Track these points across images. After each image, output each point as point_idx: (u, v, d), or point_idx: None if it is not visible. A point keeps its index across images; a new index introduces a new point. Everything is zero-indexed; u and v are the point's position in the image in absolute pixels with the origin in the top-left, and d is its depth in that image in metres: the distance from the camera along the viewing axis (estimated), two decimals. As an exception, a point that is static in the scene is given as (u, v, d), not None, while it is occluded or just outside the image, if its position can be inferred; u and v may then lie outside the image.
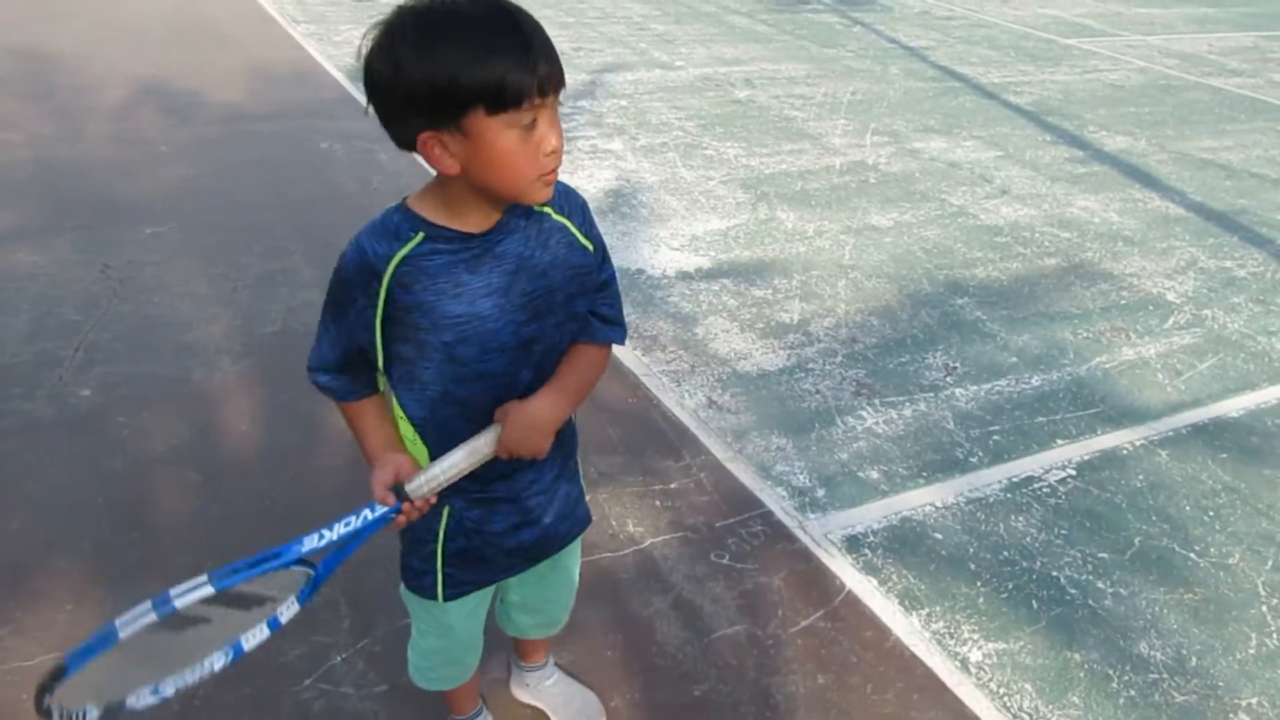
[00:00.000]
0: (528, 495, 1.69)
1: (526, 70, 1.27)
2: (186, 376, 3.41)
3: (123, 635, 1.31)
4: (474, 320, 1.45)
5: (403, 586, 1.83)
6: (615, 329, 1.66)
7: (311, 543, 1.46)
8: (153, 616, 1.32)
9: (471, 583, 1.77)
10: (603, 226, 5.02)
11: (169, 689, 1.37)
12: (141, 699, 1.36)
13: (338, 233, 4.60)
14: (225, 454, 3.06)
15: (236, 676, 2.28)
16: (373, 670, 2.34)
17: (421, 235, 1.42)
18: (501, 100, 1.27)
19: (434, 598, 1.75)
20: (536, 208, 1.49)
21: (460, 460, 1.52)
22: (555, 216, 1.52)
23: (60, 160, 5.20)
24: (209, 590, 1.36)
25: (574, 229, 1.54)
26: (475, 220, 1.43)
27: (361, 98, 6.04)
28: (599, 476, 3.06)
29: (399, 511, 1.50)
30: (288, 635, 2.39)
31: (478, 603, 1.86)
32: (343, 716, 2.22)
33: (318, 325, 1.58)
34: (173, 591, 1.35)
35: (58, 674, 1.28)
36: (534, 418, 1.53)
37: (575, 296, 1.55)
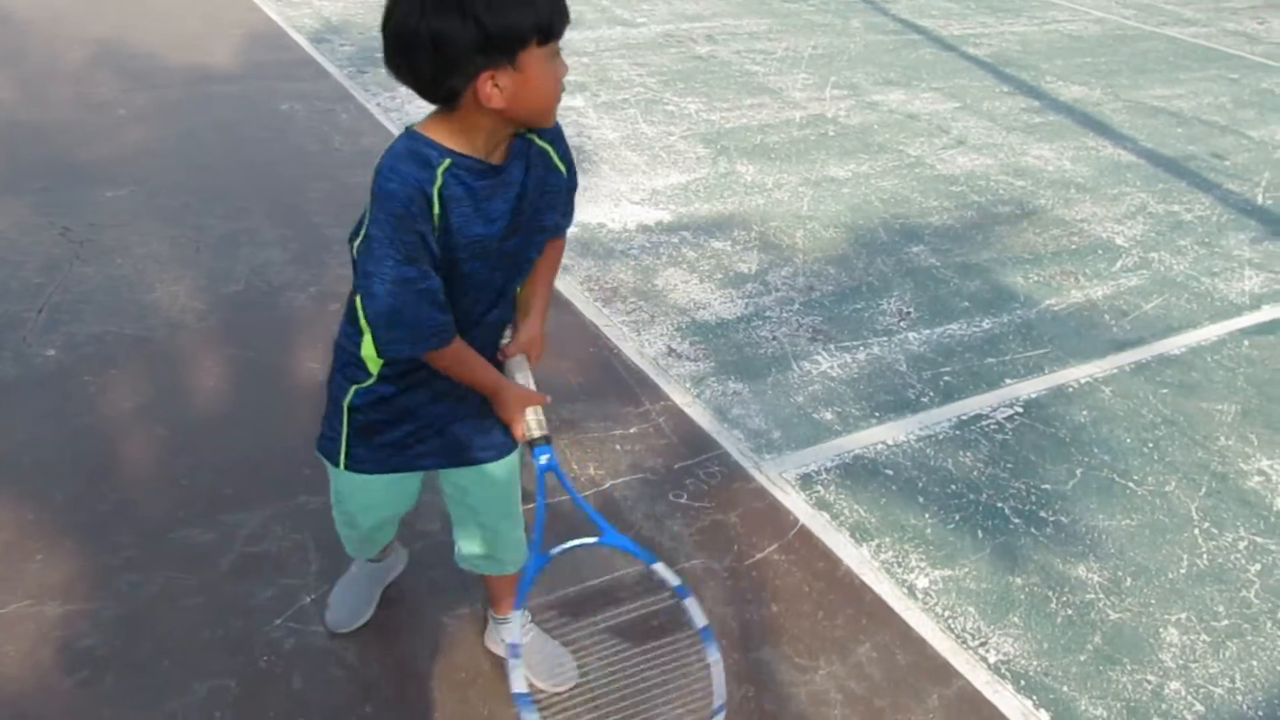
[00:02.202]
0: (443, 390, 1.82)
1: (560, 9, 1.53)
2: (151, 335, 3.45)
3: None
4: (488, 239, 1.65)
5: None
6: (567, 220, 1.88)
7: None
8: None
9: (371, 461, 1.90)
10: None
11: None
12: None
13: (300, 194, 4.66)
14: (192, 410, 3.11)
15: (209, 618, 2.37)
16: (341, 609, 2.42)
17: (449, 161, 1.56)
18: (548, 34, 1.51)
19: (337, 464, 1.92)
20: (527, 134, 1.68)
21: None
22: (539, 142, 1.71)
23: (17, 123, 5.16)
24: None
25: (553, 153, 1.74)
26: (488, 149, 1.61)
27: (323, 59, 5.97)
28: (561, 423, 3.14)
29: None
30: (258, 579, 2.48)
31: (382, 494, 2.02)
32: (312, 653, 2.30)
33: (396, 291, 1.56)
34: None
35: None
36: (538, 340, 1.89)
37: (543, 211, 1.76)
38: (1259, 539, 2.90)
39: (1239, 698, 2.39)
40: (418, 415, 1.85)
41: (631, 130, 5.67)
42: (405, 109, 5.49)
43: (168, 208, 4.37)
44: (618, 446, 3.08)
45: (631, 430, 3.16)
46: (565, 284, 3.96)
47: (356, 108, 5.62)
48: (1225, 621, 2.61)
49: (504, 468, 1.99)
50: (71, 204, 4.33)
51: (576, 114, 5.82)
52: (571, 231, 4.40)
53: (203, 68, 6.19)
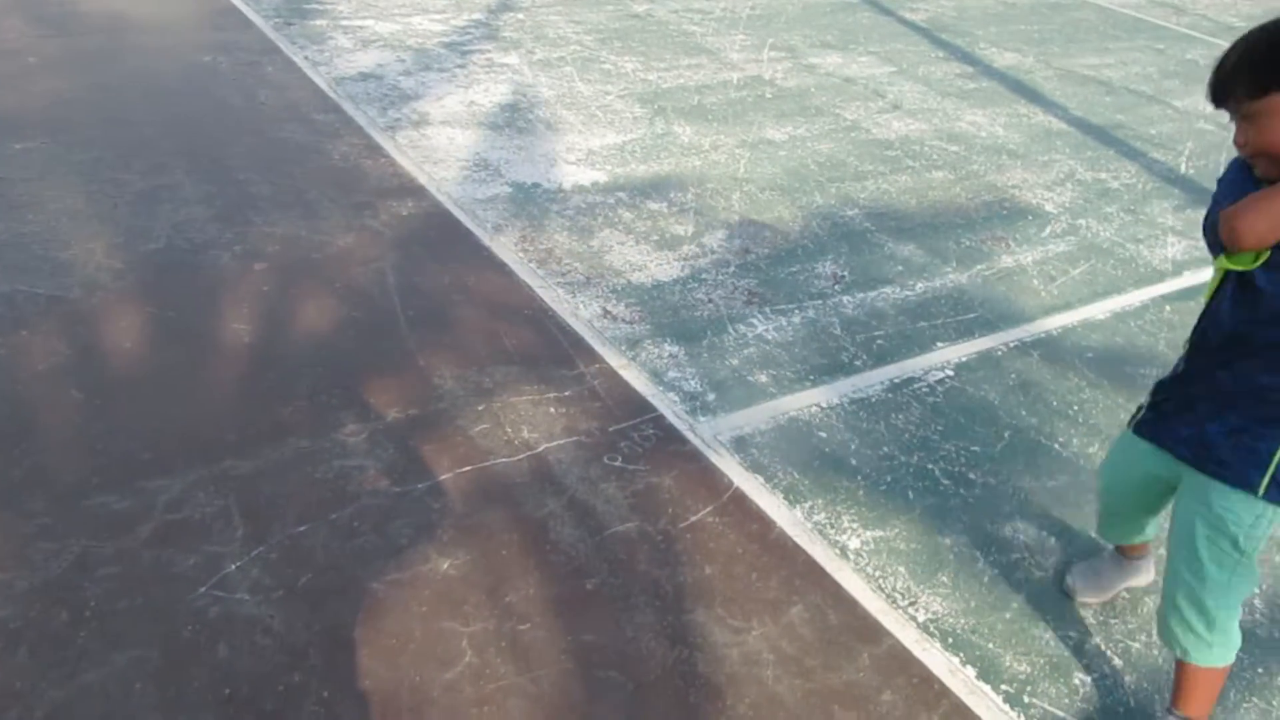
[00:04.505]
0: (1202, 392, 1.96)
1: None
2: (65, 295, 3.31)
3: None
4: None
5: None
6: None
7: None
8: None
9: (1149, 428, 2.11)
10: (499, 141, 4.95)
11: None
12: None
13: (224, 149, 4.50)
14: (109, 372, 3.00)
15: (129, 587, 2.29)
16: (268, 576, 2.36)
17: None
18: None
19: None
20: None
21: None
22: None
23: (-82, 72, 4.90)
24: None
25: None
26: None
27: (247, 9, 5.80)
28: (493, 386, 3.10)
29: None
30: (179, 546, 2.41)
31: (1134, 472, 2.24)
32: (238, 621, 2.25)
33: None
34: None
35: None
36: None
37: None
38: (1177, 499, 2.98)
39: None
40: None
41: (568, 89, 5.58)
42: (334, 62, 5.33)
43: (82, 162, 4.19)
44: (551, 409, 3.05)
45: (566, 393, 3.13)
46: (499, 244, 3.90)
47: (283, 60, 5.43)
48: (1144, 579, 2.68)
49: (1214, 506, 1.97)
50: (-22, 156, 4.13)
51: (511, 71, 5.71)
52: (505, 191, 4.37)
53: (120, 15, 5.94)
